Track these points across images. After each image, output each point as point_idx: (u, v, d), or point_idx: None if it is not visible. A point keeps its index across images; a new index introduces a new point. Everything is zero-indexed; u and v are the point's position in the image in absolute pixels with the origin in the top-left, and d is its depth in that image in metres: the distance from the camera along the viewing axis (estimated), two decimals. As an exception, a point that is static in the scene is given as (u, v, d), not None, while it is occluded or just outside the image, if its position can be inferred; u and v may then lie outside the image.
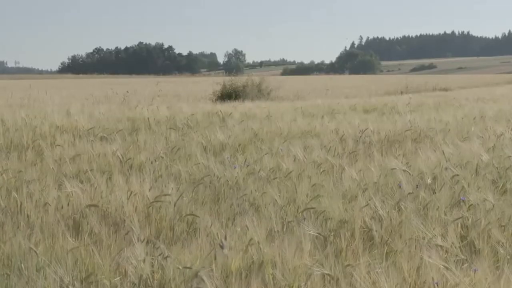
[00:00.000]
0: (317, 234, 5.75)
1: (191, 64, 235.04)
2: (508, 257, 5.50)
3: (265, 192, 7.38)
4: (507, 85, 65.65)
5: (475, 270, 4.70)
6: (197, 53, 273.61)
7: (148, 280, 4.84)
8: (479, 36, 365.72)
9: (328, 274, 4.81)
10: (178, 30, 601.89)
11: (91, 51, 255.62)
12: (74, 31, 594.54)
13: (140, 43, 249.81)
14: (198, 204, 7.29)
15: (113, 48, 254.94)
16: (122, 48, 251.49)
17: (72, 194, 7.10)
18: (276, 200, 7.12)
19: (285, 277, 4.84)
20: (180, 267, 4.83)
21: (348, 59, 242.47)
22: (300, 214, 6.64)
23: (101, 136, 12.48)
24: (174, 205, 6.69)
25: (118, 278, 4.93)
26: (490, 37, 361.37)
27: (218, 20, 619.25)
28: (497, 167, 8.90)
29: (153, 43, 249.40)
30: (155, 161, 9.64)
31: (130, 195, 7.00)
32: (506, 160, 9.28)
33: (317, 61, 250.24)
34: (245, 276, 4.96)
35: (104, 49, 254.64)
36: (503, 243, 5.78)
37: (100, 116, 16.11)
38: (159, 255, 5.01)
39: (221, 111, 17.32)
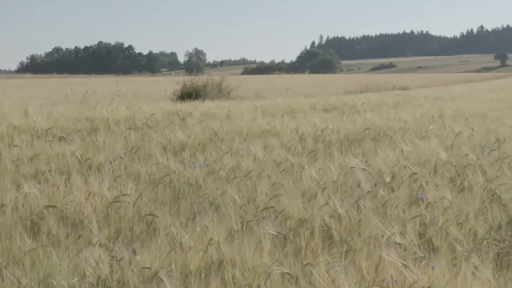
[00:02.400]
0: (277, 233, 5.76)
1: (152, 64, 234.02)
2: (466, 254, 5.55)
3: (225, 191, 7.37)
4: (465, 84, 66.35)
5: (432, 267, 4.74)
6: (158, 52, 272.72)
7: (107, 281, 4.80)
8: (438, 35, 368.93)
9: (288, 273, 4.82)
10: (138, 30, 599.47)
11: (50, 50, 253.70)
12: (33, 31, 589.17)
13: (100, 42, 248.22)
14: (158, 204, 7.26)
15: (73, 47, 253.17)
16: (82, 47, 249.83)
17: (30, 195, 7.03)
18: (236, 199, 7.12)
19: (244, 277, 4.84)
20: (135, 269, 4.79)
21: (308, 59, 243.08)
22: (260, 213, 6.65)
23: (60, 137, 12.37)
24: (133, 205, 6.65)
25: (77, 279, 4.89)
26: (449, 37, 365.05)
27: (178, 20, 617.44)
28: (455, 165, 8.99)
29: (113, 42, 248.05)
30: (114, 161, 9.57)
31: (89, 195, 6.95)
32: (464, 158, 9.38)
33: (277, 60, 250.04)
34: (204, 276, 4.95)
35: (63, 49, 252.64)
36: (460, 240, 5.83)
37: (59, 116, 15.96)
38: (113, 257, 4.97)
39: (181, 111, 17.27)
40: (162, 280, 4.57)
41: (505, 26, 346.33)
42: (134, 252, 5.06)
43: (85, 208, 6.79)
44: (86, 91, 33.17)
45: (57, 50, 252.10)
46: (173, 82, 35.78)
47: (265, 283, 4.82)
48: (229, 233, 5.87)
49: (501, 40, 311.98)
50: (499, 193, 7.43)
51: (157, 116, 16.33)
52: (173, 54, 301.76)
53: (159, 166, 9.02)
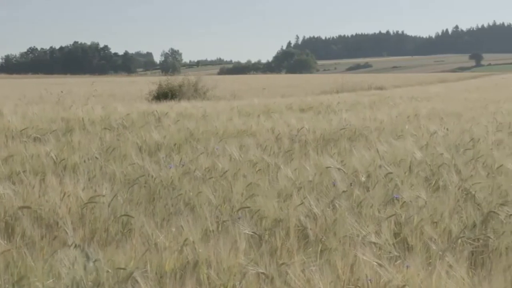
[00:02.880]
0: (252, 233, 5.75)
1: (127, 64, 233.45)
2: (440, 253, 5.57)
3: (201, 191, 7.35)
4: (441, 84, 66.68)
5: (407, 266, 4.76)
6: (133, 52, 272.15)
7: (82, 282, 4.78)
8: (413, 35, 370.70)
9: (263, 273, 4.82)
10: (114, 30, 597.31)
11: (25, 50, 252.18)
12: (8, 31, 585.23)
13: (75, 42, 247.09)
14: (133, 205, 7.23)
15: (48, 47, 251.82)
16: (57, 47, 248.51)
17: (4, 196, 6.97)
18: (211, 199, 7.11)
19: (219, 277, 4.84)
20: (109, 270, 4.77)
21: (284, 59, 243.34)
22: (235, 213, 6.64)
23: (35, 137, 12.29)
24: (109, 206, 6.63)
25: (51, 280, 4.86)
26: (424, 37, 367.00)
27: (154, 20, 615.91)
28: (430, 165, 9.03)
29: (88, 42, 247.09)
30: (90, 161, 9.53)
31: (64, 196, 6.91)
32: (439, 158, 9.43)
33: (254, 60, 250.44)
34: (179, 276, 4.94)
35: (39, 49, 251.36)
36: (435, 239, 5.86)
37: (34, 116, 15.86)
38: (86, 258, 4.95)
39: (156, 111, 17.21)
40: (137, 281, 4.56)
41: (479, 27, 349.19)
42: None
43: (60, 209, 6.74)
44: (62, 92, 33.03)
45: (32, 50, 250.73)
46: (149, 82, 35.68)
47: (240, 283, 4.82)
48: (204, 233, 5.87)
49: (476, 40, 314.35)
50: (473, 192, 7.48)
51: (132, 116, 16.27)
52: (149, 54, 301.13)
53: (134, 166, 8.99)
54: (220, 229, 6.27)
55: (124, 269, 4.76)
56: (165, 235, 5.62)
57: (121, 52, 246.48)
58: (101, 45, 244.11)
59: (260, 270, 4.82)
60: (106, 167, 9.16)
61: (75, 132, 13.02)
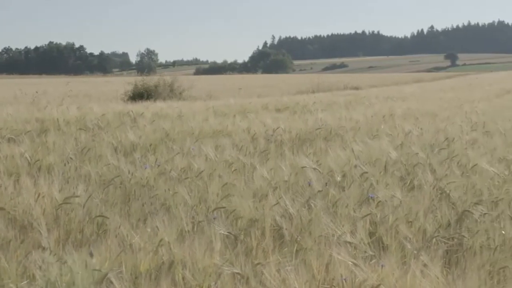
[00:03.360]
0: (228, 233, 5.75)
1: (103, 64, 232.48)
2: (415, 252, 5.60)
3: (176, 192, 7.33)
4: (416, 83, 66.92)
5: (382, 266, 4.77)
6: (109, 52, 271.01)
7: (56, 284, 4.75)
8: (389, 35, 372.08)
9: (238, 273, 4.82)
10: (89, 30, 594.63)
11: (0, 51, 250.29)
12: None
13: (51, 42, 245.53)
14: (108, 205, 7.20)
15: (23, 48, 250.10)
16: (32, 47, 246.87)
17: (-23, 197, 6.93)
18: (187, 200, 7.09)
19: (195, 277, 4.83)
20: (84, 271, 4.75)
21: (261, 59, 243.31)
22: (211, 213, 6.63)
23: (9, 138, 12.20)
24: (84, 207, 6.60)
25: (26, 282, 4.83)
26: (400, 37, 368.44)
27: (130, 20, 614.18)
28: (405, 164, 9.07)
29: (63, 42, 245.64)
30: (65, 162, 9.48)
31: (38, 197, 6.87)
32: (414, 157, 9.48)
33: (230, 60, 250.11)
34: (154, 277, 4.93)
35: (13, 49, 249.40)
36: (410, 239, 5.88)
37: (8, 117, 15.77)
38: (60, 260, 4.91)
39: (132, 111, 17.16)
40: (112, 282, 4.54)
41: (454, 27, 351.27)
42: (91, 254, 5.02)
43: (34, 210, 6.70)
44: (36, 92, 32.87)
45: (6, 50, 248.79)
46: (124, 82, 35.56)
47: (215, 283, 4.82)
48: (180, 233, 5.86)
49: (451, 40, 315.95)
50: (448, 192, 7.52)
51: (108, 116, 16.20)
52: (125, 54, 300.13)
53: (109, 167, 8.95)
54: (195, 229, 6.26)
55: (98, 270, 4.73)
56: (140, 236, 5.60)
57: (96, 52, 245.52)
58: (77, 45, 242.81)
59: (236, 270, 4.82)
60: (81, 167, 9.12)
61: (50, 133, 12.95)
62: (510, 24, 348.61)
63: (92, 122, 15.16)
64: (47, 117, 16.03)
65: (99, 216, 6.46)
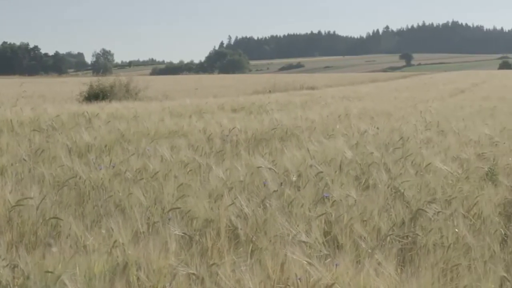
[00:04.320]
0: (183, 234, 5.74)
1: (58, 64, 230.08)
2: (369, 250, 5.63)
3: (131, 193, 7.29)
4: (372, 83, 67.42)
5: (336, 265, 4.79)
6: (64, 53, 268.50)
7: (9, 286, 4.70)
8: (344, 35, 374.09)
9: (193, 274, 4.81)
10: (44, 30, 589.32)
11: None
12: None
13: (4, 43, 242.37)
14: (63, 207, 7.14)
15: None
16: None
17: None
18: (142, 201, 7.06)
19: (149, 278, 4.81)
20: (37, 273, 4.70)
21: (217, 59, 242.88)
22: (166, 214, 6.61)
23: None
24: (37, 209, 6.53)
25: (-24, 286, 4.78)
26: (356, 37, 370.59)
27: (85, 20, 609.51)
28: (360, 164, 9.13)
29: (17, 43, 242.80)
30: (18, 164, 9.37)
31: (-10, 199, 6.79)
32: (369, 157, 9.53)
33: (186, 60, 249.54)
34: (109, 279, 4.90)
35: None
36: (364, 238, 5.92)
37: (-40, 118, 15.55)
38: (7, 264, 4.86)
39: (87, 112, 17.02)
40: (65, 284, 4.50)
41: (409, 27, 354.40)
42: (50, 245, 4.99)
43: (-14, 212, 6.62)
44: (-11, 93, 32.44)
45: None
46: (80, 83, 35.31)
47: (170, 284, 4.80)
48: (134, 235, 5.83)
49: (406, 40, 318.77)
50: (402, 190, 7.58)
51: (62, 117, 16.04)
52: (80, 55, 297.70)
53: (64, 168, 8.87)
54: (150, 230, 6.23)
55: (52, 272, 4.69)
56: (94, 237, 5.56)
57: (51, 53, 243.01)
58: (31, 46, 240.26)
59: (191, 271, 4.81)
60: (35, 169, 9.02)
61: (3, 134, 12.79)
62: (464, 24, 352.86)
63: (47, 123, 14.99)
64: (0, 118, 15.83)
65: (53, 217, 6.40)
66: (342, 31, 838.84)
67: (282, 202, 6.94)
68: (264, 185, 7.55)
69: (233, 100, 26.54)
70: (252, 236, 5.97)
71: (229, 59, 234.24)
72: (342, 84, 64.55)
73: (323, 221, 6.38)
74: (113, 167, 8.86)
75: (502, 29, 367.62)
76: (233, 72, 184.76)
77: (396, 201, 7.15)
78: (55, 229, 6.40)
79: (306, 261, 4.75)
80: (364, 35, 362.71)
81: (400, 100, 28.22)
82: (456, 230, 6.10)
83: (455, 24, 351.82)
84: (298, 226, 5.81)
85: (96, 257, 5.09)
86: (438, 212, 6.57)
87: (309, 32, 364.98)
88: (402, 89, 45.79)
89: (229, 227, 6.21)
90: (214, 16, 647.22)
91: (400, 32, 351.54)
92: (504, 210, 7.48)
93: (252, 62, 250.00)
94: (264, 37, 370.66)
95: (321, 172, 8.20)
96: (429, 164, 8.98)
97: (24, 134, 13.15)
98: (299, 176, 8.32)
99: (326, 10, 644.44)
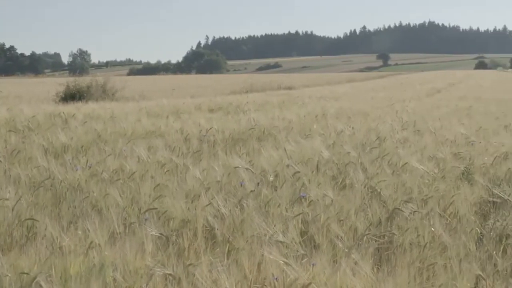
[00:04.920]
0: (159, 235, 5.72)
1: (35, 65, 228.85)
2: (346, 250, 5.64)
3: (108, 193, 7.26)
4: (349, 83, 67.62)
5: (313, 264, 4.80)
6: (41, 53, 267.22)
7: (-17, 289, 4.67)
8: (322, 36, 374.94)
9: (170, 274, 4.79)
10: (20, 30, 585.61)
11: None
12: None
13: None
14: (39, 208, 7.09)
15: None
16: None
17: None
18: (118, 201, 7.03)
19: (125, 279, 4.79)
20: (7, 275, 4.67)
21: (195, 59, 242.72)
22: (143, 215, 6.58)
23: None
24: (13, 210, 6.48)
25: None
26: (333, 37, 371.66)
27: (62, 20, 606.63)
28: (337, 163, 9.13)
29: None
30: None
31: (-35, 200, 6.73)
32: (345, 156, 9.55)
33: (164, 61, 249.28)
34: (85, 280, 4.87)
35: None
36: (341, 237, 5.93)
37: None
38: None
39: (63, 112, 16.96)
40: (41, 285, 4.47)
41: (386, 27, 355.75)
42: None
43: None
44: (-36, 94, 32.22)
45: None
46: (56, 83, 35.17)
47: (147, 285, 4.78)
48: (111, 235, 5.80)
49: (383, 41, 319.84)
50: (379, 190, 7.60)
51: (39, 118, 15.96)
52: (57, 55, 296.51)
53: (40, 169, 8.82)
54: (127, 231, 6.22)
55: (27, 273, 4.66)
56: (70, 238, 5.53)
57: (28, 53, 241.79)
58: (7, 46, 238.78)
59: (167, 272, 4.79)
60: (10, 170, 8.96)
61: (-21, 135, 12.71)
62: (440, 24, 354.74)
63: (23, 123, 14.92)
64: (-24, 119, 15.73)
65: (29, 219, 6.36)
66: (320, 31, 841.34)
67: (259, 202, 6.93)
68: (241, 185, 7.55)
69: (211, 100, 26.52)
70: (229, 236, 5.96)
71: (206, 59, 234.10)
72: (320, 84, 64.69)
73: (300, 221, 6.38)
74: (90, 167, 8.83)
75: (478, 29, 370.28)
76: (211, 72, 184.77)
77: (373, 200, 7.17)
78: (31, 230, 6.36)
79: (283, 261, 4.74)
80: (341, 35, 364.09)
81: (377, 100, 28.31)
82: (432, 229, 6.12)
83: (431, 24, 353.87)
84: (275, 226, 5.81)
85: (72, 258, 5.07)
86: (415, 211, 6.58)
87: (286, 32, 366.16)
88: (379, 89, 45.96)
89: (206, 227, 6.20)
90: (191, 16, 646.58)
91: (377, 32, 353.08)
92: (479, 209, 7.52)
93: (230, 62, 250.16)
94: (241, 37, 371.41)
95: (298, 172, 8.21)
96: (405, 163, 9.00)
97: (-1, 135, 13.06)
98: (276, 176, 8.32)
99: (303, 10, 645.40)
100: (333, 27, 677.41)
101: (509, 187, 7.90)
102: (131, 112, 18.81)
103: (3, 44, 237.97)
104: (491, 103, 25.18)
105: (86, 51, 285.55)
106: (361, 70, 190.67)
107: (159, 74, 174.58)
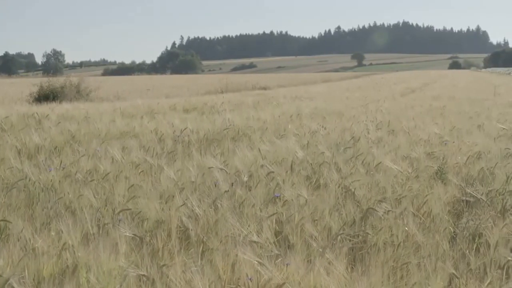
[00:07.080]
0: (133, 235, 5.70)
1: (8, 65, 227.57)
2: (320, 250, 5.65)
3: (82, 194, 7.23)
4: (324, 83, 67.77)
5: (287, 264, 4.81)
6: (14, 53, 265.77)
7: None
8: (297, 36, 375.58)
9: (144, 275, 4.78)
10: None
11: None
12: None
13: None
14: (11, 209, 7.06)
15: None
16: None
17: None
18: (92, 202, 7.00)
19: (99, 280, 4.76)
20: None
21: (169, 59, 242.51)
22: (117, 215, 6.56)
23: None
24: (-15, 211, 6.45)
25: None
26: (308, 37, 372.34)
27: (35, 20, 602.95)
28: (311, 163, 9.15)
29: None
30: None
31: None
32: (320, 156, 9.57)
33: (138, 61, 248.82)
34: (58, 282, 4.85)
35: None
36: (315, 237, 5.94)
37: None
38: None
39: (37, 113, 16.86)
40: (13, 287, 4.44)
41: (361, 27, 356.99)
42: None
43: None
44: None
45: None
46: (30, 84, 35.00)
47: (120, 286, 4.76)
48: (84, 236, 5.78)
49: (358, 41, 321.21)
50: (353, 190, 7.62)
51: (12, 119, 15.84)
52: (31, 55, 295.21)
53: (13, 170, 8.77)
54: (101, 232, 6.19)
55: (0, 275, 4.63)
56: (44, 240, 5.50)
57: (0, 53, 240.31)
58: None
59: (141, 272, 4.78)
60: (-17, 171, 8.90)
61: (-50, 136, 12.60)
62: (414, 25, 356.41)
63: (-5, 124, 14.82)
64: None
65: (1, 220, 6.31)
66: (294, 32, 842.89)
67: (233, 203, 6.93)
68: (216, 186, 7.55)
69: (185, 101, 26.46)
70: (203, 236, 5.96)
71: (181, 59, 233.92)
72: (295, 84, 64.79)
73: (274, 221, 6.38)
74: (63, 168, 8.78)
75: (452, 29, 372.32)
76: (186, 73, 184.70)
77: (347, 200, 7.20)
78: (4, 232, 6.32)
79: (257, 261, 4.75)
80: (316, 36, 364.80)
81: (351, 100, 28.39)
82: (406, 228, 6.15)
83: (405, 24, 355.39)
84: (249, 226, 5.81)
85: (45, 259, 5.05)
86: (388, 211, 6.61)
87: (261, 32, 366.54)
88: (354, 89, 46.08)
89: (180, 228, 6.19)
90: (166, 16, 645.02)
91: (352, 33, 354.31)
92: (453, 208, 7.57)
93: (205, 63, 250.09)
94: (216, 37, 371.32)
95: (272, 172, 8.22)
96: (379, 163, 9.04)
97: (-29, 136, 12.96)
98: (251, 176, 8.32)
99: (278, 11, 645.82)
100: (308, 28, 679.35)
101: (482, 186, 7.96)
102: (106, 113, 18.74)
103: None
104: (464, 102, 25.32)
105: (60, 51, 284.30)
106: (336, 70, 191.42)
107: (134, 74, 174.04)
